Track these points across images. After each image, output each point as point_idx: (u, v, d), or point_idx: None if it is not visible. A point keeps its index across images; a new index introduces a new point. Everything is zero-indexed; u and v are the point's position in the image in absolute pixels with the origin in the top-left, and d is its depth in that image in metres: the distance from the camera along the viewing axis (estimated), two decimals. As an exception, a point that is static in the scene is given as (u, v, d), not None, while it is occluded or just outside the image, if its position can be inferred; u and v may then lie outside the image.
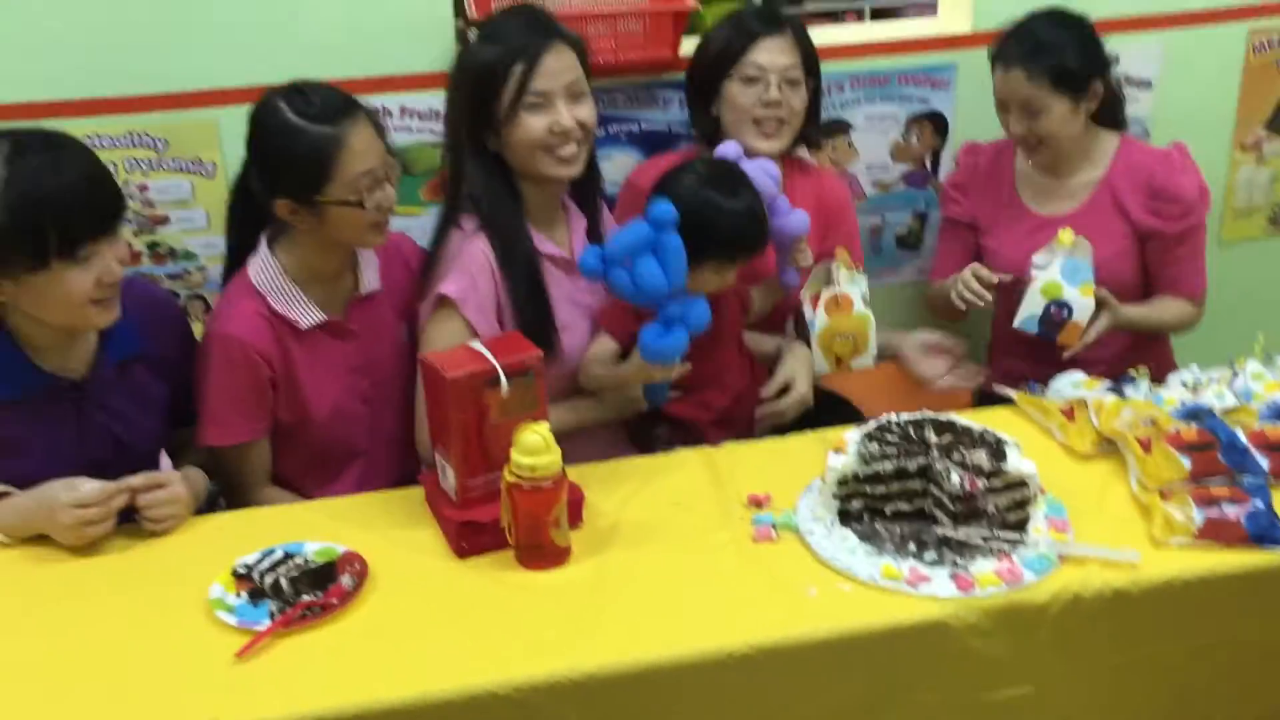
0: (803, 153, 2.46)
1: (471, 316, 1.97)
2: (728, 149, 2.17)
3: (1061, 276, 2.15)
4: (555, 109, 1.97)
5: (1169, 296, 2.37)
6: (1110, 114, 2.38)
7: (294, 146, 1.84)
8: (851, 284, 2.17)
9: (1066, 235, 2.16)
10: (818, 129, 2.45)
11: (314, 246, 1.95)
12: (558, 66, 1.98)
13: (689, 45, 2.50)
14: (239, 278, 1.97)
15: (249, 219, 1.98)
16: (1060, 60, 2.23)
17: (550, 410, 2.00)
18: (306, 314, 1.96)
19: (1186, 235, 2.33)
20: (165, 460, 1.81)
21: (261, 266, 1.95)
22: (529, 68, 1.95)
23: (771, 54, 2.26)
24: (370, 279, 2.04)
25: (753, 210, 2.00)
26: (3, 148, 1.64)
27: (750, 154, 2.19)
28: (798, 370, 2.19)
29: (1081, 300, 2.15)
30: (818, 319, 2.17)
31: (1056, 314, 2.15)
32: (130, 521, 1.78)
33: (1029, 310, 2.18)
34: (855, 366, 2.19)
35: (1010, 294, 2.26)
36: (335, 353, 2.01)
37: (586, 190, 2.16)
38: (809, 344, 2.20)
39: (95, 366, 1.83)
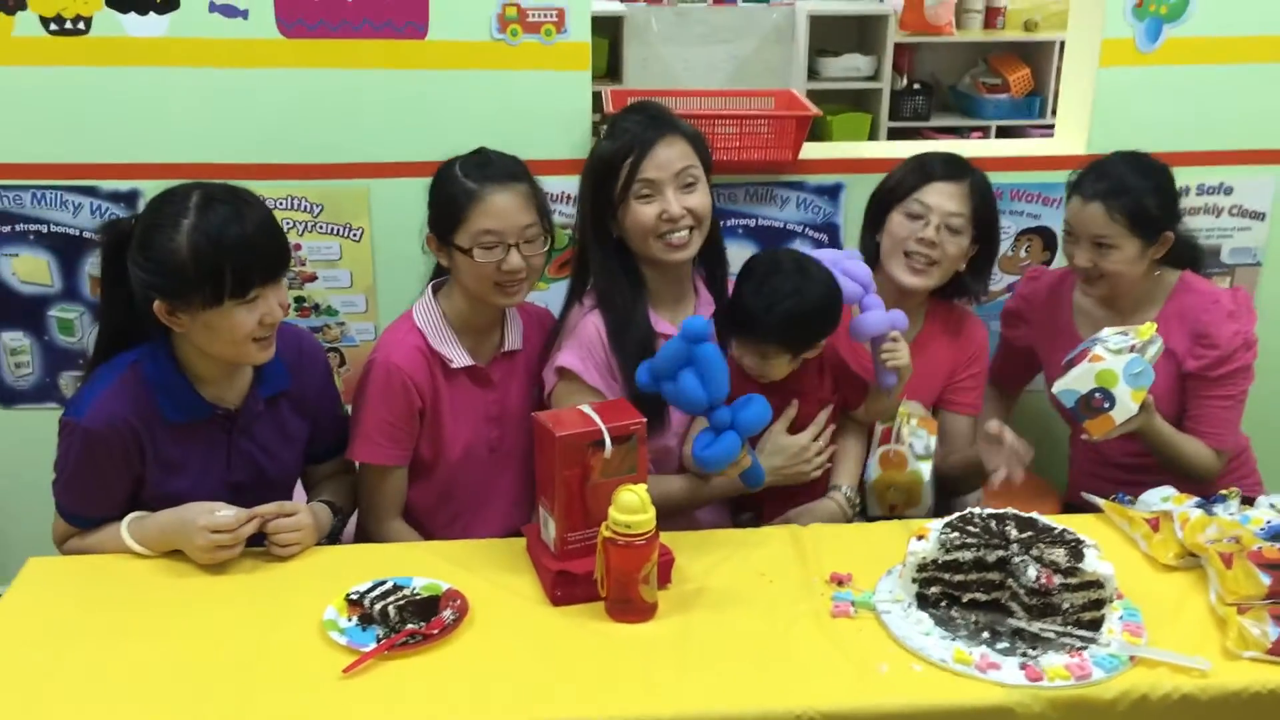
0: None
1: (594, 383, 2.13)
2: (823, 254, 2.21)
3: (1123, 372, 2.08)
4: (665, 197, 2.11)
5: (1194, 438, 2.32)
6: (1181, 259, 2.38)
7: (444, 191, 2.09)
8: (913, 438, 2.20)
9: (1149, 328, 2.12)
10: (983, 286, 2.42)
11: (464, 297, 2.14)
12: (668, 157, 2.12)
13: (810, 150, 2.66)
14: (404, 316, 2.18)
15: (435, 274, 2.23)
16: (1141, 203, 2.24)
17: (661, 481, 2.15)
18: (457, 355, 2.14)
19: (1221, 382, 2.29)
20: (299, 491, 1.97)
21: (424, 308, 2.16)
22: (639, 159, 2.11)
23: (940, 197, 2.29)
24: (514, 338, 2.22)
25: (795, 306, 2.05)
26: (195, 197, 1.86)
27: (898, 286, 2.28)
28: (803, 519, 2.18)
29: (1128, 402, 2.09)
30: (871, 468, 2.22)
31: (1098, 401, 2.09)
32: (260, 545, 1.94)
33: (1073, 384, 2.11)
34: (909, 515, 2.21)
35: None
36: (475, 399, 2.18)
37: (714, 273, 2.29)
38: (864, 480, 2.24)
39: (248, 400, 2.02)
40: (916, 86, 5.35)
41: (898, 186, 2.34)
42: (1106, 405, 2.09)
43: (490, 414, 2.20)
